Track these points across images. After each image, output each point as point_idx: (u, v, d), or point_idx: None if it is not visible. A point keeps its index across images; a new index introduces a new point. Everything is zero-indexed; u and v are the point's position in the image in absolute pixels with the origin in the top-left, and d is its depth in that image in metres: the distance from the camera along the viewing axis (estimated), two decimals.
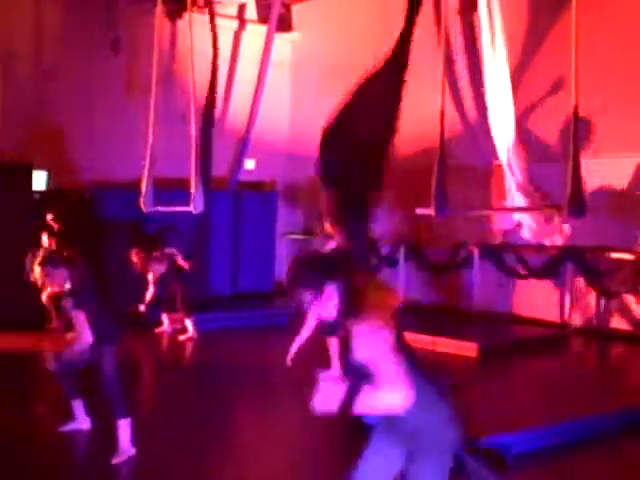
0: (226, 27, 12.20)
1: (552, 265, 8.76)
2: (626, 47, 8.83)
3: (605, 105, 8.64)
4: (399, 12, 10.94)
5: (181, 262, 8.74)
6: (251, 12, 12.84)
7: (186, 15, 10.28)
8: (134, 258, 8.63)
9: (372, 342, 2.53)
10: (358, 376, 2.55)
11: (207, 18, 11.37)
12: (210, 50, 11.19)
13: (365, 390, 2.49)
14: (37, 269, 4.82)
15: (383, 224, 9.98)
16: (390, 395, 2.49)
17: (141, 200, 9.31)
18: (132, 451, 4.71)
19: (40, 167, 10.31)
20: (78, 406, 5.17)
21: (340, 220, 3.13)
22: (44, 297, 6.88)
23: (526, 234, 8.94)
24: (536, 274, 8.92)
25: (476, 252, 9.65)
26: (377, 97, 3.52)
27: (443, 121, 7.67)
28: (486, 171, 10.00)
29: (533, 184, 8.72)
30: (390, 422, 2.68)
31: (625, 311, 8.85)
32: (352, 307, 2.58)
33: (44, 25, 11.03)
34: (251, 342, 8.82)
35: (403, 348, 2.64)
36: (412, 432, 2.63)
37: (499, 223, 9.58)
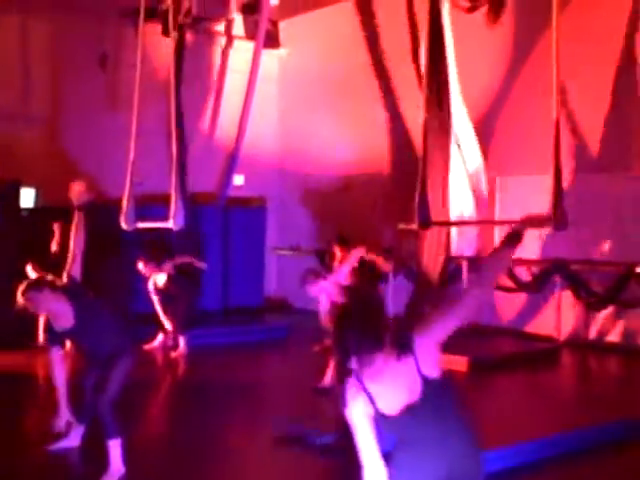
0: (214, 43, 12.26)
1: (540, 278, 8.81)
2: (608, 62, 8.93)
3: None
4: (384, 28, 11.08)
5: (198, 264, 8.87)
6: (238, 28, 12.88)
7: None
8: (142, 268, 8.70)
9: None
10: None
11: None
12: (201, 67, 11.23)
13: None
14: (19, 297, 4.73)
15: None
16: None
17: (122, 217, 9.25)
18: (122, 471, 4.68)
19: (28, 184, 10.28)
20: (76, 425, 5.14)
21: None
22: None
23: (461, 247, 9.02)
24: (525, 287, 8.96)
25: (465, 265, 9.67)
26: None
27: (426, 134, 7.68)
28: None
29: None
30: None
31: (613, 323, 8.90)
32: None
33: (31, 40, 11.02)
34: (244, 358, 8.80)
35: None
36: None
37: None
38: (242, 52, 12.55)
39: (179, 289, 8.80)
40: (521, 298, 9.46)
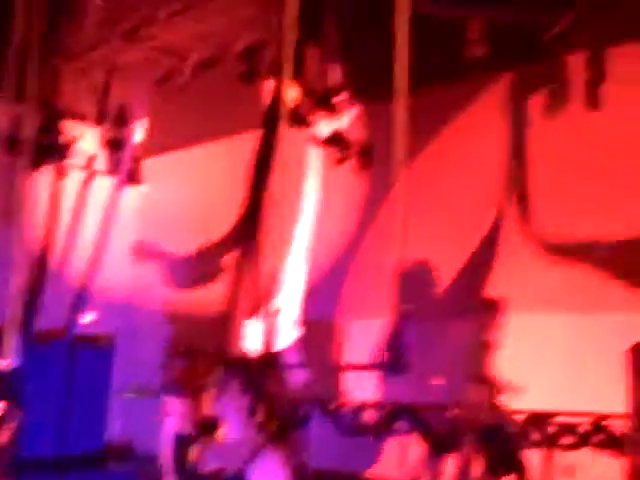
0: (74, 177, 12.09)
1: (386, 422, 8.75)
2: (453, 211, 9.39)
3: None
4: (242, 167, 11.26)
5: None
6: (100, 163, 12.80)
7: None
8: None
9: None
10: None
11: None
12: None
13: None
14: None
15: None
16: None
17: None
18: None
19: None
20: None
21: None
22: None
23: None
24: (369, 431, 8.87)
25: (315, 410, 9.49)
26: None
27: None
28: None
29: None
30: None
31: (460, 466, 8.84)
32: None
33: None
34: None
35: None
36: None
37: None
38: (103, 187, 12.42)
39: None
40: (365, 441, 9.32)
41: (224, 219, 11.76)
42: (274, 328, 8.39)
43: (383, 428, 8.79)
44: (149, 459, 10.25)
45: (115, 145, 12.63)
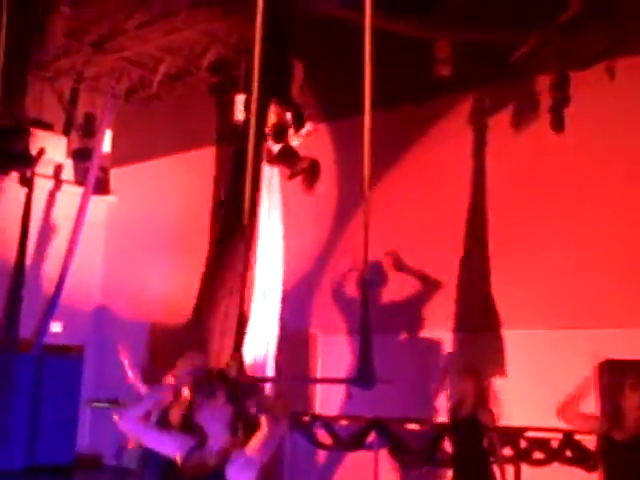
0: (41, 186, 12.00)
1: (358, 436, 8.88)
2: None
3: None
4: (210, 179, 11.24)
5: None
6: (68, 173, 12.75)
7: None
8: None
9: None
10: None
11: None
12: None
13: None
14: None
15: None
16: None
17: None
18: None
19: None
20: None
21: None
22: None
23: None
24: (342, 445, 8.99)
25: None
26: None
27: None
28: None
29: None
30: None
31: None
32: None
33: None
34: None
35: None
36: None
37: None
38: (70, 197, 12.37)
39: None
40: (339, 455, 9.46)
41: (191, 230, 11.83)
42: (251, 341, 8.48)
43: (355, 442, 8.90)
44: (117, 470, 10.28)
45: (83, 155, 12.59)
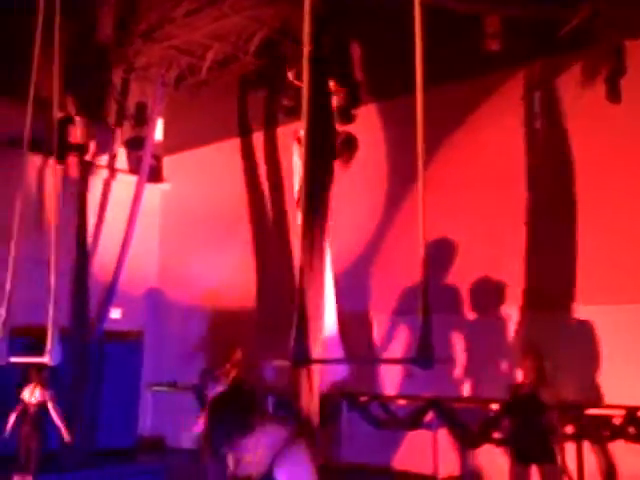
0: (97, 176, 12.24)
1: (417, 415, 8.88)
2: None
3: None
4: (263, 165, 11.30)
5: (52, 409, 8.27)
6: (122, 162, 12.96)
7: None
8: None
9: None
10: None
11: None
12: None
13: None
14: None
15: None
16: None
17: None
18: None
19: None
20: None
21: None
22: None
23: None
24: (400, 424, 9.01)
25: (344, 404, 9.65)
26: None
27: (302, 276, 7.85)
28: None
29: None
30: None
31: (490, 460, 8.99)
32: None
33: None
34: None
35: None
36: None
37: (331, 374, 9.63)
38: (125, 185, 12.57)
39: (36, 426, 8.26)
40: (397, 435, 9.47)
41: (243, 215, 11.93)
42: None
43: (414, 421, 8.91)
44: (179, 452, 10.48)
45: (135, 144, 12.77)
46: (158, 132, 12.92)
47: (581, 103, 8.68)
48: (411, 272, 9.31)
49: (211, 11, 10.91)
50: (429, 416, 8.97)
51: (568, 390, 7.43)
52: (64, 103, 10.70)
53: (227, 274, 12.01)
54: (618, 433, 7.64)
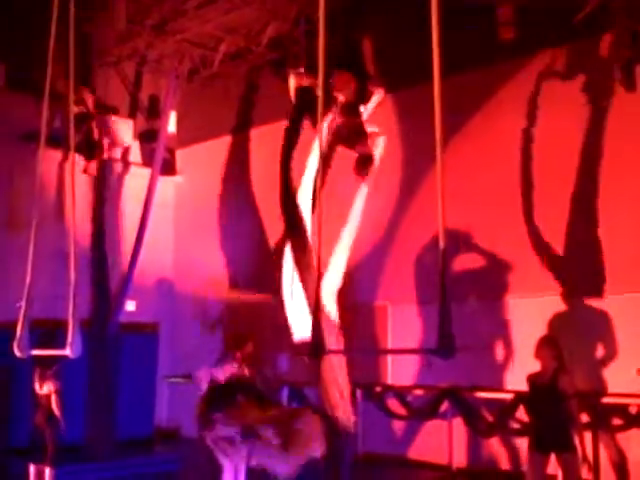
0: (110, 169, 12.28)
1: (431, 405, 8.89)
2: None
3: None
4: (276, 157, 11.36)
5: (54, 404, 8.27)
6: (135, 155, 13.00)
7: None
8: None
9: None
10: None
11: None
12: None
13: None
14: None
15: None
16: None
17: (15, 344, 8.84)
18: None
19: None
20: None
21: None
22: None
23: None
24: (415, 414, 9.02)
25: (359, 394, 9.67)
26: None
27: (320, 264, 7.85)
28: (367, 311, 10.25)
29: None
30: None
31: (504, 450, 9.00)
32: None
33: None
34: None
35: None
36: None
37: None
38: (138, 178, 12.61)
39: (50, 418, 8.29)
40: (412, 425, 9.49)
41: (256, 206, 11.95)
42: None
43: (429, 411, 8.92)
44: (195, 443, 10.52)
45: (149, 137, 12.82)
46: (171, 125, 12.94)
47: (594, 90, 8.64)
48: (425, 261, 9.42)
49: (223, 3, 10.91)
50: (444, 406, 8.98)
51: (583, 379, 7.42)
52: (81, 98, 10.77)
53: (241, 265, 12.06)
54: (633, 421, 7.63)
